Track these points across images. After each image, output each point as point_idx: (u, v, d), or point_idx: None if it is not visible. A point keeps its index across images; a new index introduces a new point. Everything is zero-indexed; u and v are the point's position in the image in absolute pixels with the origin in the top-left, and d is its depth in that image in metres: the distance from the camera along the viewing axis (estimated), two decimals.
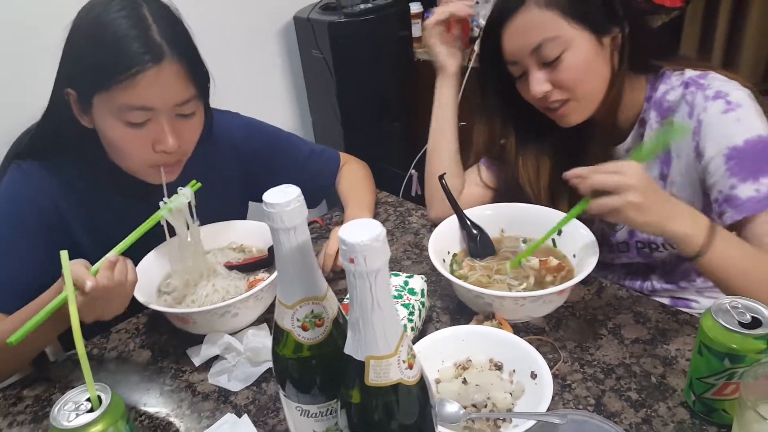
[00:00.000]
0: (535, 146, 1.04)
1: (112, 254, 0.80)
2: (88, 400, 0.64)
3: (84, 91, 0.86)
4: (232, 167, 1.13)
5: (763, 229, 0.83)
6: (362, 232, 0.44)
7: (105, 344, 0.96)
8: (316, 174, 1.22)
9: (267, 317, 0.94)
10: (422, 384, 0.52)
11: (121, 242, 0.84)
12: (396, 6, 1.90)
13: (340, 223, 1.18)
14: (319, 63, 1.91)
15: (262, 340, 0.84)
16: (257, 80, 2.01)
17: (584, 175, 0.77)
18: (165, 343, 0.94)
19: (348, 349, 0.50)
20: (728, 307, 0.64)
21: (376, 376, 0.49)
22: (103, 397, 0.64)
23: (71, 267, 0.75)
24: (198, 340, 0.89)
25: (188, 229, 0.94)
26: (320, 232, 1.21)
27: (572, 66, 0.89)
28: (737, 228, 0.86)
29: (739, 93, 0.88)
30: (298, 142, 1.23)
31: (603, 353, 0.80)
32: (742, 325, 0.62)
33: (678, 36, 1.98)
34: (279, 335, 0.58)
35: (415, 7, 2.03)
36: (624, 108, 0.96)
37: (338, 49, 1.85)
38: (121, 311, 0.82)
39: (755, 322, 0.63)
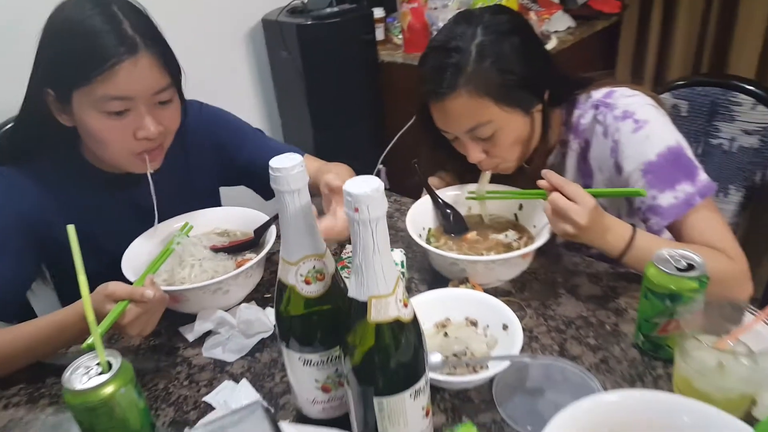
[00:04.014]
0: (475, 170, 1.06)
1: (150, 274, 0.85)
2: (98, 365, 0.65)
3: (63, 88, 0.88)
4: (206, 154, 1.15)
5: (690, 230, 0.90)
6: (365, 185, 0.50)
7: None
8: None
9: (255, 296, 0.97)
10: (416, 322, 0.58)
11: (149, 266, 0.90)
12: (360, 10, 1.96)
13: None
14: (288, 64, 1.96)
15: (254, 313, 0.88)
16: (226, 81, 2.03)
17: (554, 184, 0.83)
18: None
19: (351, 293, 0.56)
20: (667, 257, 0.73)
21: (377, 314, 0.54)
22: (113, 361, 0.66)
23: (113, 288, 0.78)
24: (188, 319, 0.92)
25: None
26: None
27: (505, 142, 0.95)
28: (670, 231, 0.93)
29: (644, 108, 0.94)
30: (265, 138, 1.24)
31: (563, 309, 0.89)
32: (679, 270, 0.71)
33: (617, 37, 2.12)
34: (282, 291, 0.63)
35: (378, 12, 2.10)
36: (548, 135, 1.02)
37: (307, 51, 1.90)
38: (153, 328, 0.83)
39: (689, 267, 0.72)
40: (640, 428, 0.59)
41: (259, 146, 1.19)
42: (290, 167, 0.56)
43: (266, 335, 0.88)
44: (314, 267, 0.61)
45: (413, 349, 0.58)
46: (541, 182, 0.85)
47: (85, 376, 0.64)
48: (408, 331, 0.57)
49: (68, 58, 0.86)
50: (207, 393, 0.81)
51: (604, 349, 0.80)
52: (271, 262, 1.06)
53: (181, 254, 0.98)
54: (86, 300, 0.67)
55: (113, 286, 0.78)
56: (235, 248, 1.04)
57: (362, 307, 0.55)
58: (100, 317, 0.75)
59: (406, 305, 0.56)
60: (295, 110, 2.10)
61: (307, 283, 0.62)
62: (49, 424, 0.78)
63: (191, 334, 0.90)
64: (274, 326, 0.89)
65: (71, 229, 0.67)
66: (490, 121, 0.92)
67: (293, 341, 0.65)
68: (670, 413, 0.58)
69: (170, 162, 1.01)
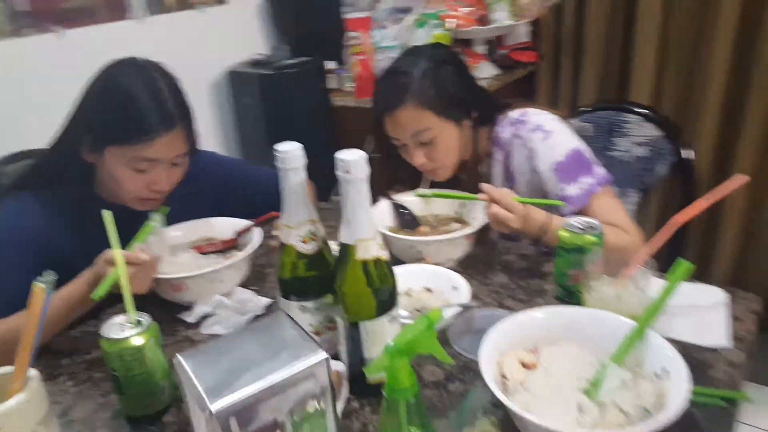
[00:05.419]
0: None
1: (138, 243, 0.97)
2: (129, 323, 0.79)
3: (102, 140, 1.02)
4: (201, 192, 1.27)
5: (594, 213, 1.11)
6: (353, 154, 0.69)
7: (99, 324, 1.06)
8: (268, 194, 1.38)
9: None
10: (390, 263, 0.76)
11: (134, 238, 1.00)
12: (315, 62, 2.19)
13: None
14: (252, 109, 2.15)
15: (248, 294, 1.03)
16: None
17: (492, 197, 1.02)
18: (155, 317, 1.05)
19: (343, 239, 0.73)
20: (573, 222, 0.95)
21: (362, 253, 0.72)
22: (142, 319, 0.80)
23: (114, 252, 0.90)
24: (185, 310, 1.03)
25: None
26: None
27: (442, 147, 1.17)
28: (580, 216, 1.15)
29: (550, 122, 1.18)
30: (250, 169, 1.42)
31: (499, 279, 1.08)
32: (582, 230, 0.93)
33: (534, 81, 2.46)
34: (284, 251, 0.79)
35: (330, 65, 2.34)
36: (478, 148, 1.26)
37: (269, 97, 2.10)
38: (148, 287, 0.96)
39: (589, 228, 0.94)
40: (559, 335, 0.78)
41: (253, 175, 1.37)
42: (292, 150, 0.75)
43: (259, 313, 1.03)
44: (309, 230, 0.79)
45: (389, 281, 0.75)
46: (481, 196, 1.05)
47: (120, 330, 0.77)
48: (385, 267, 0.75)
49: (114, 121, 1.00)
50: None
51: (532, 302, 1.00)
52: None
53: (181, 258, 1.12)
54: (123, 270, 0.82)
55: (111, 252, 0.91)
56: (220, 252, 1.19)
57: (351, 249, 0.73)
58: (102, 279, 0.89)
59: (382, 248, 0.75)
60: (258, 150, 2.27)
61: (304, 242, 0.79)
62: (71, 392, 0.88)
63: (191, 317, 1.02)
64: (263, 307, 1.04)
65: (107, 214, 0.82)
66: (430, 128, 1.14)
67: (292, 292, 0.81)
68: (578, 321, 0.79)
69: (172, 199, 1.13)
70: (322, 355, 0.56)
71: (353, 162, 0.68)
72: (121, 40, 1.87)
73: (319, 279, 0.80)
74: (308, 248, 0.79)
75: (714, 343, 0.85)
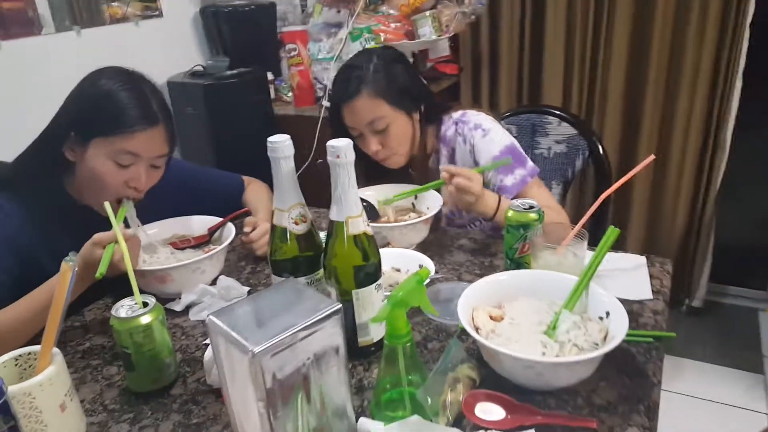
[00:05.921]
0: (378, 170, 1.39)
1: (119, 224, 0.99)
2: (135, 304, 0.83)
3: (88, 132, 1.06)
4: (163, 192, 1.27)
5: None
6: (341, 141, 0.78)
7: (83, 319, 1.08)
8: (226, 196, 1.45)
9: None
10: (374, 237, 0.85)
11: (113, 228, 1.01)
12: (255, 73, 2.24)
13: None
14: (194, 119, 2.16)
15: (231, 281, 1.08)
16: None
17: (453, 172, 1.15)
18: None
19: (333, 217, 0.82)
20: (517, 204, 1.09)
21: (352, 228, 0.81)
22: (149, 301, 0.84)
23: (99, 236, 0.95)
24: (171, 300, 1.07)
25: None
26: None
27: (394, 135, 1.29)
28: None
29: (487, 121, 1.35)
30: (206, 172, 1.47)
31: (456, 258, 1.20)
32: (525, 209, 1.07)
33: (458, 90, 2.66)
34: (277, 233, 0.87)
35: (270, 75, 2.40)
36: (426, 145, 1.41)
37: (211, 107, 2.12)
38: (138, 264, 1.01)
39: (530, 207, 1.08)
40: (518, 293, 0.91)
41: (211, 176, 1.43)
42: (283, 140, 0.83)
43: (242, 298, 1.08)
44: (300, 212, 0.87)
45: (375, 254, 0.85)
46: (443, 174, 1.17)
47: (129, 310, 0.82)
48: (371, 241, 0.84)
49: (100, 114, 1.05)
50: (204, 340, 0.98)
51: (486, 274, 1.11)
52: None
53: (159, 254, 1.15)
54: (126, 256, 0.86)
55: (98, 236, 0.95)
56: (194, 246, 1.22)
57: (341, 226, 0.81)
58: (94, 262, 0.92)
59: (368, 225, 0.84)
60: (202, 157, 2.28)
61: (296, 224, 0.86)
62: (73, 378, 0.87)
63: (178, 305, 1.06)
64: (246, 294, 1.09)
65: (107, 205, 0.86)
66: (384, 117, 1.26)
67: (285, 271, 0.88)
68: (533, 280, 0.92)
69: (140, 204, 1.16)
70: (338, 305, 0.65)
71: (343, 147, 0.77)
72: (59, 52, 1.83)
73: (310, 257, 0.88)
74: (300, 229, 0.87)
75: (639, 297, 1.02)
